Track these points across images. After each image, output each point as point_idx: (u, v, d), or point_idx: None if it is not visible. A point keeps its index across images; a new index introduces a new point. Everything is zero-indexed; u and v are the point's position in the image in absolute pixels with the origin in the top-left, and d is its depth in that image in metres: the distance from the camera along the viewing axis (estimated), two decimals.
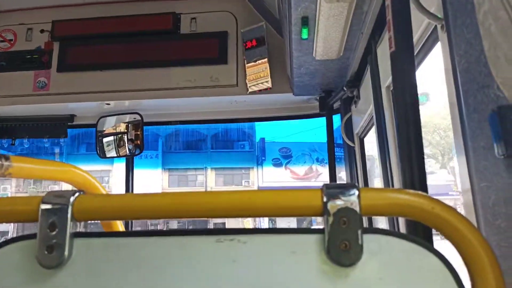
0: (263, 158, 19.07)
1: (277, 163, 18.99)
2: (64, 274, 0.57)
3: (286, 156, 19.00)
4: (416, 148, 0.74)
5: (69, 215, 0.58)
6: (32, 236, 0.59)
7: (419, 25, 1.00)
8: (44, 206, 0.58)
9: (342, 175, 2.60)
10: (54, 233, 0.57)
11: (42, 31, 2.38)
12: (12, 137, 2.62)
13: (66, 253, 0.57)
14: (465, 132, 0.72)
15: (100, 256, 0.58)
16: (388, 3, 0.82)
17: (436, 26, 0.90)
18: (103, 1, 2.36)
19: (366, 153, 2.17)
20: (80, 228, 0.60)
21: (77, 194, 0.60)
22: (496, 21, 0.54)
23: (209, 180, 19.49)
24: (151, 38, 2.28)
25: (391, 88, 1.43)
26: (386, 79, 1.44)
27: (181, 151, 19.32)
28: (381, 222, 2.13)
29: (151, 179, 17.63)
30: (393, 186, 1.36)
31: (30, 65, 2.35)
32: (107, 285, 0.57)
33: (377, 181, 2.18)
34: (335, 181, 2.23)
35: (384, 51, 1.45)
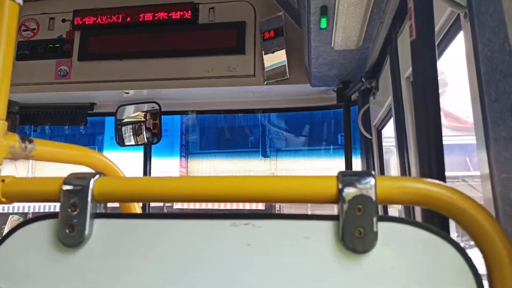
0: None
1: None
2: (84, 253, 0.59)
3: None
4: (435, 138, 0.73)
5: (89, 196, 0.59)
6: (54, 216, 0.61)
7: (441, 14, 0.98)
8: (66, 187, 0.60)
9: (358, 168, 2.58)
10: (75, 213, 0.59)
11: (63, 20, 2.42)
12: (34, 124, 2.68)
13: (86, 232, 0.59)
14: (486, 123, 0.71)
15: (119, 236, 0.60)
16: None
17: (459, 14, 0.88)
18: None
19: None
20: (100, 209, 0.61)
21: (97, 176, 0.61)
22: None
23: None
24: (170, 27, 2.30)
25: (411, 79, 1.40)
26: (406, 70, 1.42)
27: None
28: (395, 212, 2.12)
29: None
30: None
31: (52, 54, 2.40)
32: (124, 263, 0.58)
33: (394, 174, 2.16)
34: None
35: (404, 41, 1.42)
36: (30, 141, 0.71)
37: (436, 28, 0.98)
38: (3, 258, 0.60)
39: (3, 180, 0.63)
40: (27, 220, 0.61)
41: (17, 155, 0.69)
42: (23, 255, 0.60)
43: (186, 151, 15.22)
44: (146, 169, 2.63)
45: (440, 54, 1.09)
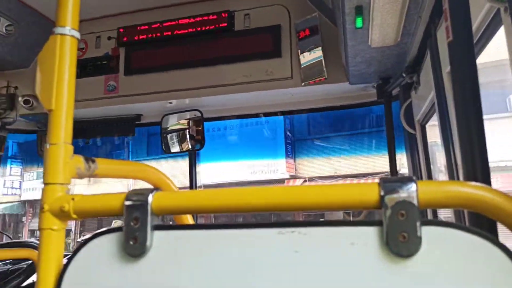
0: None
1: None
2: (146, 262, 0.65)
3: None
4: (478, 140, 0.72)
5: (149, 210, 0.65)
6: (117, 230, 0.67)
7: (480, 10, 0.96)
8: (127, 203, 0.66)
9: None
10: (137, 226, 0.65)
11: (109, 38, 2.57)
12: (86, 137, 2.87)
13: (148, 243, 0.64)
14: None
15: (176, 246, 0.65)
16: None
17: (498, 9, 0.86)
18: (162, 5, 2.49)
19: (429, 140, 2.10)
20: (158, 221, 0.67)
21: (154, 191, 0.67)
22: None
23: None
24: (208, 36, 2.37)
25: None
26: (447, 65, 1.38)
27: None
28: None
29: None
30: (458, 176, 1.32)
31: (100, 70, 2.56)
32: (182, 271, 0.64)
33: (441, 168, 2.10)
34: (396, 170, 2.18)
35: (444, 35, 1.39)
36: (93, 161, 0.78)
37: (475, 26, 0.96)
38: (76, 270, 0.67)
39: (73, 199, 0.70)
40: (95, 234, 0.68)
41: (82, 175, 0.76)
42: (93, 266, 0.67)
43: (293, 151, 14.73)
44: (192, 175, 2.72)
45: (479, 51, 1.06)
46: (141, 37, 2.46)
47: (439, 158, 2.08)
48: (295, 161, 14.85)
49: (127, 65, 2.49)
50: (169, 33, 2.41)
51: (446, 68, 1.40)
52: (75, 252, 0.68)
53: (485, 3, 0.87)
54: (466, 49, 0.75)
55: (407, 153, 2.24)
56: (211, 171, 13.90)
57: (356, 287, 0.57)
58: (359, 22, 1.55)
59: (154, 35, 2.43)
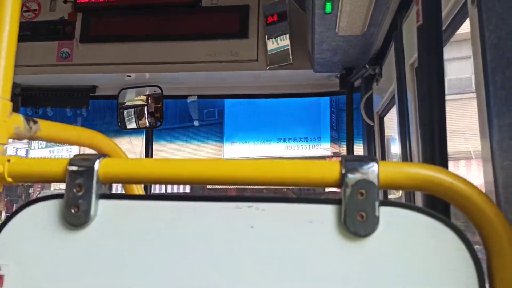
0: None
1: None
2: (89, 233, 0.60)
3: None
4: (439, 124, 0.73)
5: (95, 177, 0.60)
6: (59, 196, 0.62)
7: (448, 0, 0.97)
8: (71, 168, 0.61)
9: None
10: (80, 193, 0.60)
11: (65, 1, 2.40)
12: (36, 106, 2.68)
13: (92, 212, 0.59)
14: (490, 110, 0.71)
15: (123, 217, 0.60)
16: None
17: (465, 1, 0.87)
18: None
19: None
20: (105, 190, 0.62)
21: (102, 157, 0.62)
22: None
23: None
24: (173, 10, 2.28)
25: (416, 66, 1.40)
26: (411, 57, 1.41)
27: None
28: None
29: None
30: None
31: (54, 35, 2.38)
32: (128, 244, 0.59)
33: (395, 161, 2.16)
34: None
35: (409, 28, 1.41)
36: (35, 122, 0.71)
37: (443, 14, 0.97)
38: (8, 237, 0.61)
39: (8, 160, 0.63)
40: (32, 200, 0.62)
41: (22, 136, 0.69)
42: (28, 234, 0.61)
43: (338, 135, 13.60)
44: (148, 153, 2.64)
45: (446, 41, 1.08)
46: (100, 3, 2.31)
47: (393, 151, 2.14)
48: (339, 137, 14.09)
49: (84, 32, 2.34)
50: (132, 2, 2.29)
51: (409, 61, 1.42)
52: (8, 219, 0.62)
53: None
54: (434, 34, 0.75)
55: (364, 144, 2.29)
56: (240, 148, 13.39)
57: (311, 265, 0.56)
58: (328, 7, 1.54)
59: (115, 1, 2.30)
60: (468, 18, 0.86)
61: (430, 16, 0.76)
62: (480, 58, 0.77)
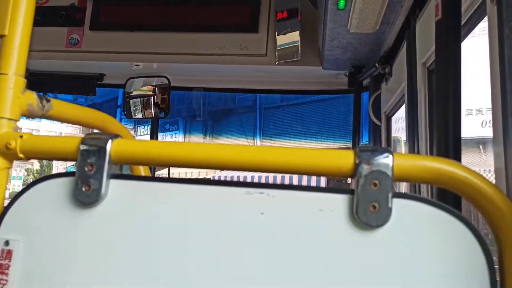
0: None
1: None
2: (99, 211, 0.60)
3: None
4: (454, 119, 0.72)
5: (107, 157, 0.60)
6: (70, 174, 0.61)
7: None
8: (83, 147, 0.60)
9: None
10: (92, 172, 0.59)
11: None
12: (43, 91, 2.68)
13: (102, 191, 0.59)
14: (507, 112, 0.70)
15: (134, 197, 0.60)
16: None
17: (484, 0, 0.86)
18: None
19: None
20: (116, 170, 0.62)
21: (114, 137, 0.61)
22: None
23: None
24: (183, 1, 2.27)
25: (427, 65, 1.39)
26: (423, 56, 1.40)
27: None
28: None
29: None
30: None
31: (63, 21, 2.38)
32: (138, 224, 0.59)
33: None
34: None
35: (423, 27, 1.40)
36: (48, 100, 0.71)
37: (463, 8, 0.96)
38: (18, 212, 0.61)
39: (21, 136, 0.63)
40: (44, 176, 0.62)
41: (34, 113, 0.69)
42: (38, 210, 0.61)
43: None
44: None
45: (465, 35, 1.07)
46: None
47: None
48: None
49: (93, 19, 2.33)
50: None
51: (421, 60, 1.41)
52: (19, 194, 0.61)
53: None
54: (453, 29, 0.75)
55: (371, 144, 2.28)
56: None
57: (321, 253, 0.55)
58: (341, 3, 1.53)
59: None
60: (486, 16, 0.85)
61: (449, 11, 0.75)
62: (497, 58, 0.76)
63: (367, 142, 2.30)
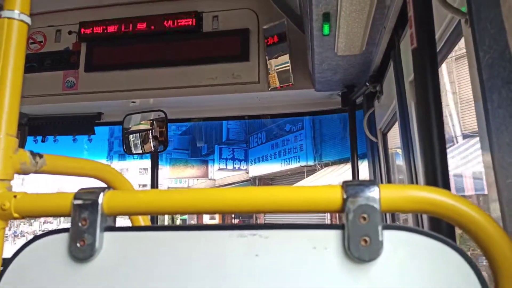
0: None
1: None
2: (95, 266, 0.60)
3: None
4: (438, 145, 0.73)
5: (99, 210, 0.61)
6: (64, 230, 0.62)
7: (442, 19, 0.99)
8: (76, 202, 0.61)
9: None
10: (85, 227, 0.60)
11: (70, 32, 2.46)
12: (42, 134, 2.72)
13: (97, 245, 0.60)
14: (490, 128, 0.71)
15: (128, 248, 0.61)
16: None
17: (459, 21, 0.89)
18: (127, 2, 2.41)
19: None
20: (111, 222, 0.63)
21: (106, 190, 0.62)
22: None
23: None
24: (175, 37, 2.32)
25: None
26: (410, 74, 1.42)
27: None
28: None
29: None
30: (417, 182, 1.35)
31: (59, 65, 2.44)
32: (134, 275, 0.59)
33: (401, 176, 2.16)
34: (358, 177, 2.22)
35: (407, 46, 1.42)
36: (41, 156, 0.72)
37: (438, 34, 0.98)
38: (16, 272, 0.62)
39: (15, 196, 0.64)
40: (39, 234, 0.63)
41: (27, 171, 0.70)
42: (35, 269, 0.61)
43: None
44: (154, 177, 2.65)
45: (442, 60, 1.09)
46: (104, 32, 2.37)
47: (398, 167, 2.14)
48: None
49: (88, 61, 2.39)
50: (134, 30, 2.34)
51: (408, 78, 1.44)
52: (15, 255, 0.62)
53: (448, 13, 0.89)
54: (429, 56, 0.76)
55: (369, 160, 2.28)
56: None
57: None
58: (326, 29, 1.56)
59: (118, 31, 2.35)
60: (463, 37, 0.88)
61: (423, 40, 0.77)
62: (477, 78, 0.78)
63: (365, 159, 2.30)
